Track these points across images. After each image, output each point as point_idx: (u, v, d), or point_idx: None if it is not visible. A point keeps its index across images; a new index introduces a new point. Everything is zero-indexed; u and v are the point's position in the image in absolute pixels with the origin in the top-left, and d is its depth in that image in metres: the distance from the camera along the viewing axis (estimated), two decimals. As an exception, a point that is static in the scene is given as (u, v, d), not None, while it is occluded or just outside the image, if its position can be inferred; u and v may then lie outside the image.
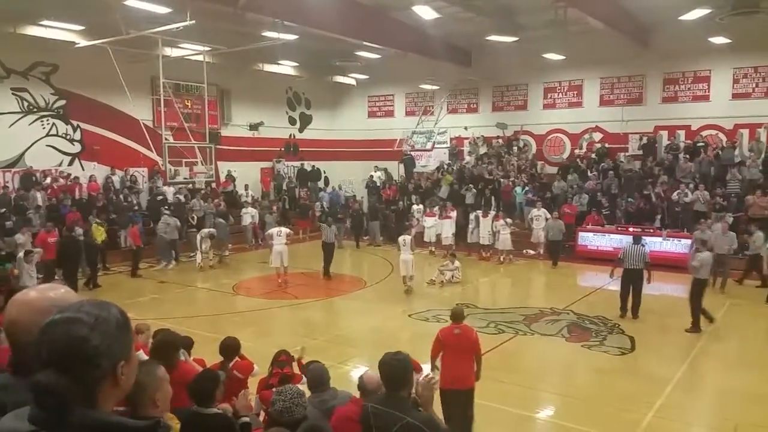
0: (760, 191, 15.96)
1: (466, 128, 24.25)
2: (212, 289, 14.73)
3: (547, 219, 17.38)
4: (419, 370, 5.94)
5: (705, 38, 17.66)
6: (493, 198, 20.13)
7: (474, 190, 20.51)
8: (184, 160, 18.91)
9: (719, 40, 17.46)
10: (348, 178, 25.69)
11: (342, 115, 27.99)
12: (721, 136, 19.01)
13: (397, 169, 25.11)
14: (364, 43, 18.95)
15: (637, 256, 11.14)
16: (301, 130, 26.60)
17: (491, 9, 17.19)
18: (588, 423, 7.02)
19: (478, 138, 23.70)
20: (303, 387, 4.60)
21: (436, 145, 24.94)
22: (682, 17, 16.03)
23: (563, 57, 20.25)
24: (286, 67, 23.45)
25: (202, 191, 20.14)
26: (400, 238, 14.01)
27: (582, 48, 19.53)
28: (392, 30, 18.38)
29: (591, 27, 17.06)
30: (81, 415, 1.28)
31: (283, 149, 25.39)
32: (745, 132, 18.69)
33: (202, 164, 19.23)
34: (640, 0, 16.60)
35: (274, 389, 4.39)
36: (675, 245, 15.88)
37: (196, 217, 18.53)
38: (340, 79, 26.01)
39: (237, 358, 5.64)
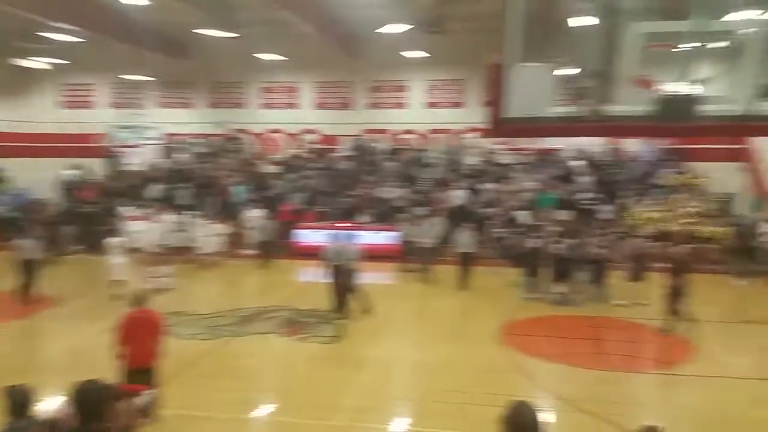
0: (445, 187, 18.78)
1: (180, 124, 22.88)
2: None
3: (263, 218, 17.38)
4: (133, 393, 5.21)
5: (404, 51, 19.61)
6: (210, 198, 19.37)
7: (188, 190, 19.49)
8: None
9: (416, 54, 19.59)
10: (36, 177, 21.63)
11: (29, 105, 23.90)
12: (418, 139, 21.63)
13: (98, 167, 22.37)
14: (55, 24, 16.34)
15: (340, 252, 11.76)
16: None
17: (206, 1, 16.43)
18: (301, 414, 7.18)
19: (194, 135, 22.57)
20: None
21: (145, 141, 22.94)
22: (383, 30, 17.45)
23: (280, 58, 20.58)
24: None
25: None
26: (108, 241, 13.28)
27: (298, 51, 20.16)
28: (93, 12, 16.26)
29: (305, 31, 17.57)
30: None
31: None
32: (437, 137, 21.52)
33: None
34: (346, 9, 17.66)
35: None
36: (381, 237, 17.33)
37: None
38: (25, 62, 22.03)
39: None
